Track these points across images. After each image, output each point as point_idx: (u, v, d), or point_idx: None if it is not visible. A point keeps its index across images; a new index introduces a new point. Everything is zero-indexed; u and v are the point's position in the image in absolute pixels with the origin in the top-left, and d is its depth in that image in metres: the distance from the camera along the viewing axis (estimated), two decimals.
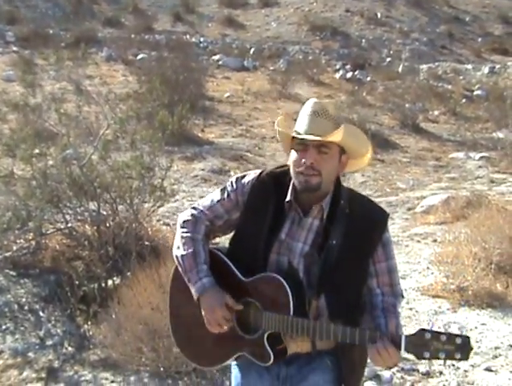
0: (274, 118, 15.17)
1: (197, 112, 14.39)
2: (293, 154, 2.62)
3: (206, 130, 13.72)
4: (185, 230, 2.79)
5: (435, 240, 7.71)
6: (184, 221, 2.81)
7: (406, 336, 2.39)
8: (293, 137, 2.62)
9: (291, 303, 2.52)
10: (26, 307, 6.01)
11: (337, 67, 22.41)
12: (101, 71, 19.61)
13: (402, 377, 4.99)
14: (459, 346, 2.33)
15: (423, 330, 2.37)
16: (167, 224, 8.26)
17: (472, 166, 12.48)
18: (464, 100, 18.62)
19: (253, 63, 22.24)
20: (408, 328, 5.77)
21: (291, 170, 2.63)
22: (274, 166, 2.87)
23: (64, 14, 27.47)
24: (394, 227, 8.67)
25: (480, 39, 28.29)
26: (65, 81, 16.68)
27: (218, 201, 2.80)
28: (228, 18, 28.93)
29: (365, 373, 4.99)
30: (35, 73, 16.85)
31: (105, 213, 7.05)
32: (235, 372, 2.84)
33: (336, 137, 2.52)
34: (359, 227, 2.59)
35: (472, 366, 5.11)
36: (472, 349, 2.35)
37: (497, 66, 23.07)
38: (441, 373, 5.00)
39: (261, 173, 2.76)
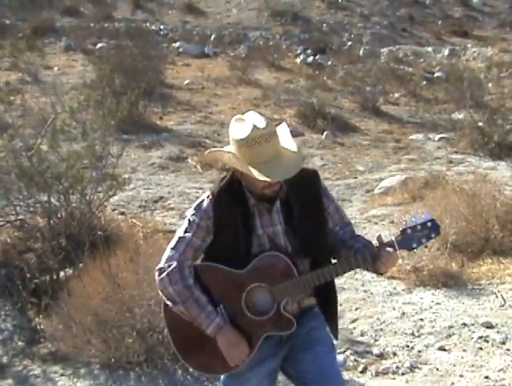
0: (233, 104, 15.14)
1: (156, 100, 14.24)
2: (255, 179, 2.81)
3: (165, 118, 13.56)
4: (175, 282, 2.87)
5: (392, 222, 7.69)
6: (168, 274, 2.88)
7: (396, 238, 2.93)
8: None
9: (292, 267, 2.87)
10: None
11: (298, 52, 22.30)
12: (59, 61, 19.28)
13: (355, 360, 4.95)
14: (431, 228, 2.93)
15: (404, 229, 2.94)
16: (123, 213, 8.15)
17: (431, 147, 12.51)
18: (424, 83, 18.65)
19: (213, 50, 22.06)
20: (363, 310, 5.77)
21: (252, 187, 2.89)
22: (214, 182, 3.17)
23: (21, 3, 26.90)
24: (352, 210, 8.65)
25: (440, 22, 28.36)
26: (22, 72, 16.43)
27: (192, 235, 2.92)
28: (188, 5, 28.57)
29: None
30: None
31: (57, 204, 6.93)
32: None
33: (299, 160, 2.86)
34: (303, 191, 2.94)
35: (426, 346, 5.10)
36: (439, 225, 2.96)
37: (457, 48, 23.18)
38: (394, 354, 4.99)
39: (212, 193, 2.95)
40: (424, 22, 28.41)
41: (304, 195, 2.93)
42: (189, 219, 2.94)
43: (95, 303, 5.03)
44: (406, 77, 18.84)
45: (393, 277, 6.33)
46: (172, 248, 2.93)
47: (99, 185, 7.03)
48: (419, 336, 5.25)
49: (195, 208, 2.95)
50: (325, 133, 13.08)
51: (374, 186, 9.55)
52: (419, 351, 5.03)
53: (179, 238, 2.93)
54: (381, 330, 5.38)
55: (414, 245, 2.95)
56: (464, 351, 5.01)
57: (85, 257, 5.93)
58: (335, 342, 3.14)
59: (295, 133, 13.23)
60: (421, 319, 5.51)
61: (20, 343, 5.44)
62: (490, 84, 17.25)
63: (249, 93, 16.12)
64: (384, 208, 8.45)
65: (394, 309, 5.71)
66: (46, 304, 5.64)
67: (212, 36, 23.91)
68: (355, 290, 6.11)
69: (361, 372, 4.79)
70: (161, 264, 2.93)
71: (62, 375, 4.92)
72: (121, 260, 5.27)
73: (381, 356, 4.98)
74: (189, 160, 10.80)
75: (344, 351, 5.05)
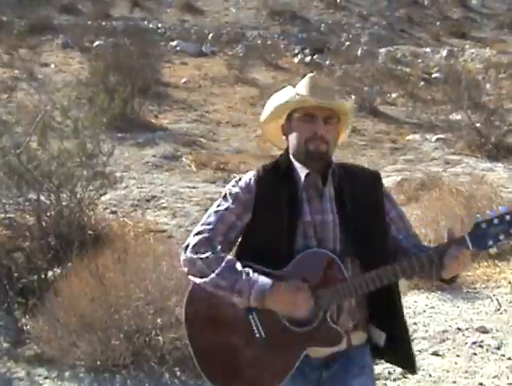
0: (230, 103, 15.07)
1: (152, 98, 14.15)
2: (299, 127, 2.56)
3: (160, 116, 13.47)
4: (203, 252, 2.47)
5: None
6: (194, 247, 2.50)
7: (468, 233, 2.43)
8: (292, 112, 2.58)
9: (343, 268, 2.44)
10: None
11: (296, 51, 22.26)
12: (56, 58, 19.21)
13: None
14: (509, 222, 2.41)
15: (478, 223, 2.42)
16: (115, 212, 8.05)
17: (428, 147, 12.43)
18: (422, 83, 18.61)
19: (211, 49, 22.01)
20: None
21: (297, 143, 2.56)
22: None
23: (19, 0, 26.83)
24: None
25: (438, 23, 28.30)
26: (17, 69, 16.35)
27: (226, 209, 2.55)
28: (186, 3, 28.50)
29: None
30: None
31: (47, 202, 6.83)
32: None
33: (349, 104, 2.60)
34: (363, 189, 2.60)
35: (420, 351, 4.99)
36: None
37: (455, 49, 23.12)
38: None
39: (257, 170, 2.62)
40: (423, 23, 28.36)
41: (362, 191, 2.59)
42: (226, 194, 2.58)
43: (81, 304, 4.91)
44: (404, 78, 18.79)
45: None
46: (202, 224, 2.56)
47: (90, 183, 6.92)
48: (412, 341, 5.13)
49: (235, 181, 2.60)
50: None
51: None
52: None
53: (211, 213, 2.57)
54: None
55: (491, 243, 2.44)
56: (458, 356, 4.90)
57: (74, 257, 5.82)
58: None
59: None
60: (415, 323, 5.40)
61: (5, 344, 5.32)
62: (488, 86, 17.17)
63: (246, 92, 16.04)
64: None
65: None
66: (33, 304, 5.52)
67: (210, 35, 23.85)
68: None
69: None
70: (187, 242, 2.54)
71: (46, 377, 4.80)
72: (109, 261, 5.16)
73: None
74: (184, 159, 10.70)
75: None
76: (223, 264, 2.42)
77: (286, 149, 2.65)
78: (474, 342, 5.07)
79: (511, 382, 4.52)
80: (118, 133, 11.59)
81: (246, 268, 2.41)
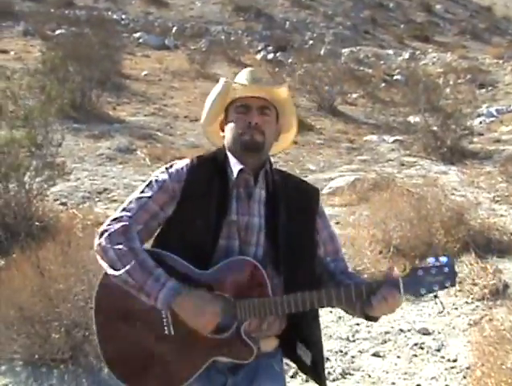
0: (189, 97, 14.99)
1: (111, 90, 14.00)
2: (234, 119, 2.48)
3: (118, 108, 13.34)
4: (116, 243, 2.33)
5: (337, 223, 7.59)
6: (110, 234, 2.35)
7: (402, 277, 2.35)
8: (230, 103, 2.50)
9: (268, 283, 2.31)
10: None
11: (259, 48, 22.26)
12: (16, 46, 18.91)
13: (286, 364, 4.82)
14: (447, 275, 2.37)
15: (415, 268, 2.38)
16: (65, 204, 7.93)
17: (384, 148, 12.50)
18: (383, 85, 18.76)
19: (174, 42, 21.90)
20: None
21: (233, 136, 2.47)
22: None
23: None
24: None
25: (402, 26, 28.57)
26: None
27: (149, 197, 2.40)
28: None
29: None
30: None
31: None
32: None
33: (283, 91, 2.49)
34: (297, 202, 2.50)
35: (360, 352, 5.00)
36: (457, 274, 2.40)
37: (418, 52, 23.34)
38: (327, 359, 4.86)
39: (192, 159, 2.49)
40: (387, 25, 28.61)
41: (296, 203, 2.49)
42: (152, 180, 2.44)
43: (22, 297, 4.82)
44: (366, 78, 18.93)
45: None
46: (122, 210, 2.41)
47: (38, 174, 6.80)
48: (353, 341, 5.14)
49: (166, 168, 2.46)
50: None
51: (323, 186, 9.46)
52: (353, 357, 4.92)
53: (134, 199, 2.43)
54: None
55: (423, 292, 2.38)
56: (399, 357, 4.92)
57: (17, 248, 5.72)
58: None
59: None
60: (357, 324, 5.40)
61: None
62: (448, 90, 17.34)
63: (206, 87, 15.92)
64: (331, 209, 8.35)
65: (330, 312, 5.59)
66: None
67: (174, 28, 23.74)
68: None
69: (291, 377, 4.66)
70: (104, 226, 2.39)
71: None
72: (51, 253, 5.07)
73: None
74: (138, 152, 10.59)
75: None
76: (134, 261, 2.30)
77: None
78: (415, 344, 5.09)
79: (449, 384, 4.55)
80: (74, 123, 11.45)
81: (158, 270, 2.30)
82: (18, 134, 6.85)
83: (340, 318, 5.51)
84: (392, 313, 2.40)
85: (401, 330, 5.32)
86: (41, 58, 12.25)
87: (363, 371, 4.74)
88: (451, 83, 18.15)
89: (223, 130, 2.56)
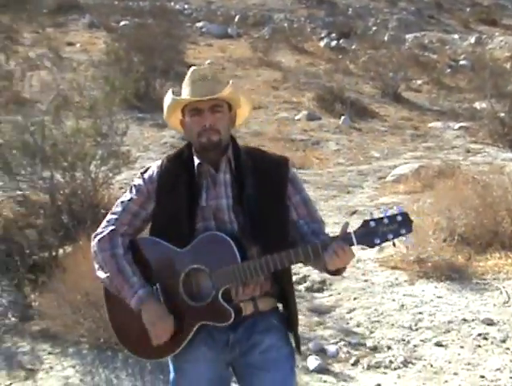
0: (252, 85, 15.00)
1: (174, 80, 14.11)
2: (190, 123, 2.72)
3: None
4: (103, 249, 2.73)
5: None
6: (100, 240, 2.75)
7: (354, 231, 2.53)
8: (183, 108, 2.72)
9: (235, 251, 2.59)
10: None
11: (322, 35, 22.06)
12: (82, 38, 19.25)
13: (348, 352, 4.82)
14: (401, 223, 2.50)
15: (366, 220, 2.53)
16: None
17: (450, 135, 12.29)
18: (448, 70, 18.37)
19: (237, 31, 21.91)
20: (362, 301, 5.64)
21: (192, 137, 2.73)
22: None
23: None
24: (363, 197, 8.50)
25: (468, 9, 27.91)
26: (43, 48, 16.40)
27: (129, 200, 2.77)
28: None
29: (311, 347, 4.87)
30: (11, 39, 16.55)
31: (62, 180, 6.88)
32: (178, 358, 2.76)
33: (226, 91, 2.67)
34: (266, 173, 2.74)
35: (423, 341, 4.95)
36: (412, 221, 2.52)
37: (484, 36, 22.78)
38: (389, 348, 4.85)
39: (162, 160, 2.83)
40: (452, 10, 27.98)
41: (263, 176, 2.71)
42: (131, 185, 2.80)
43: (87, 282, 4.94)
44: (430, 64, 18.56)
45: (396, 267, 6.18)
46: (111, 213, 2.80)
47: (104, 163, 6.95)
48: (416, 330, 5.10)
49: (141, 173, 2.81)
50: (343, 117, 12.91)
51: (387, 174, 9.37)
52: (415, 346, 4.88)
53: (119, 203, 2.79)
54: (378, 321, 5.23)
55: (377, 241, 2.52)
56: (462, 347, 4.85)
57: (84, 236, 5.86)
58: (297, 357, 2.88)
59: (312, 117, 13.09)
60: (420, 313, 5.35)
61: (13, 319, 5.40)
62: None
63: (269, 75, 15.97)
64: (395, 196, 8.28)
65: (393, 300, 5.57)
66: (42, 281, 5.58)
67: (237, 17, 23.73)
68: (355, 279, 5.97)
69: (352, 365, 4.66)
70: (98, 230, 2.78)
71: (50, 353, 4.86)
72: None
73: (374, 349, 4.84)
74: None
75: (338, 342, 4.93)
76: (115, 268, 2.67)
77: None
78: (479, 334, 5.01)
79: None
80: (139, 113, 11.63)
81: (133, 278, 2.67)
82: (83, 124, 7.02)
83: (402, 306, 5.48)
84: (345, 265, 2.57)
85: (464, 320, 5.23)
86: (105, 49, 12.45)
87: (425, 360, 4.70)
88: None
89: (184, 128, 2.79)
